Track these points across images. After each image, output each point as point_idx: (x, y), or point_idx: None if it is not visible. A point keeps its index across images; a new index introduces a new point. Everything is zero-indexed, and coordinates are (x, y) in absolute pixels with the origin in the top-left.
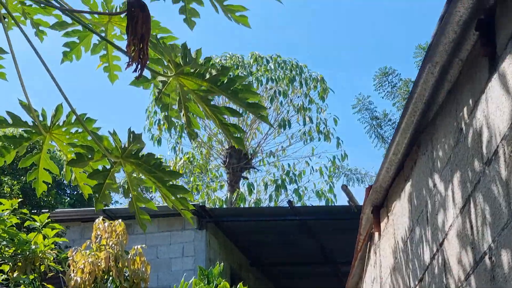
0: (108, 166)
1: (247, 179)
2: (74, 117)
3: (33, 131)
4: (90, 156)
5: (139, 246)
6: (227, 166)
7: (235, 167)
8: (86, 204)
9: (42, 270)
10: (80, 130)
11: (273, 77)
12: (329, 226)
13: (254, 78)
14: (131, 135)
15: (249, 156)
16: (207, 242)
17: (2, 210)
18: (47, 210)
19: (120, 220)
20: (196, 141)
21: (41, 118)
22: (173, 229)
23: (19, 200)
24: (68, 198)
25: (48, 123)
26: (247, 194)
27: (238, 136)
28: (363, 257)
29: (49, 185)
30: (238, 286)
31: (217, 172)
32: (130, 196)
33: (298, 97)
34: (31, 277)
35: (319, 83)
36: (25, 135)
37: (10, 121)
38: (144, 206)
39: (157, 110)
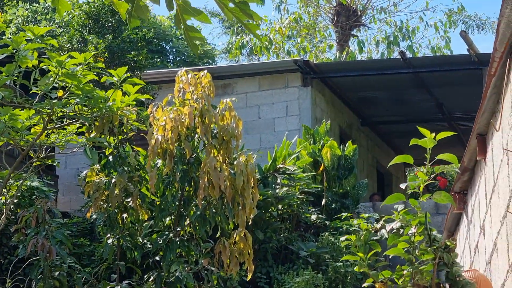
0: None
1: (357, 37)
2: None
3: None
4: None
5: (228, 100)
6: (335, 25)
7: (344, 25)
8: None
9: (122, 129)
10: None
11: None
12: (446, 79)
13: None
14: None
15: (359, 13)
16: (313, 100)
17: (74, 65)
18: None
19: (205, 71)
20: None
21: None
22: (276, 87)
23: (104, 57)
24: (159, 60)
25: None
26: (357, 52)
27: None
28: (498, 83)
29: (139, 44)
30: (347, 144)
31: (325, 32)
32: (175, 6)
33: None
34: (110, 139)
35: None
36: None
37: None
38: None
39: None
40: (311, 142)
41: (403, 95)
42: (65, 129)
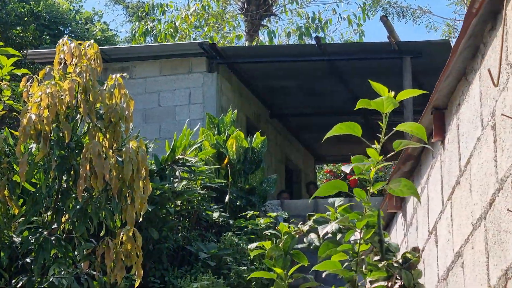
0: None
1: (267, 27)
2: None
3: None
4: None
5: (118, 75)
6: (245, 14)
7: (254, 14)
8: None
9: None
10: None
11: None
12: (364, 69)
13: None
14: None
15: (270, 2)
16: (219, 88)
17: None
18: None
19: (92, 41)
20: None
21: None
22: (178, 73)
23: None
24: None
25: None
26: (267, 43)
27: None
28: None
29: (26, 19)
30: (254, 136)
31: (234, 21)
32: None
33: None
34: None
35: None
36: None
37: None
38: None
39: None
40: (215, 132)
41: (317, 85)
42: None
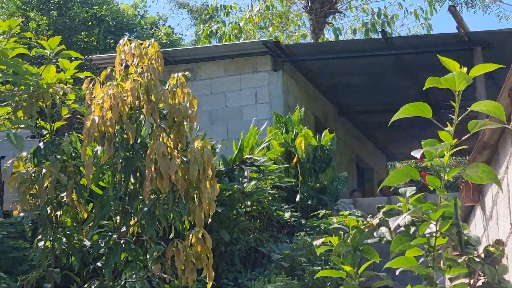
0: None
1: (333, 25)
2: None
3: None
4: None
5: (180, 74)
6: (309, 12)
7: (318, 12)
8: None
9: (54, 111)
10: None
11: None
12: (432, 62)
13: None
14: None
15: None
16: (285, 86)
17: None
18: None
19: (152, 40)
20: None
21: None
22: (243, 72)
23: (47, 36)
24: (114, 42)
25: None
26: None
27: None
28: None
29: (90, 23)
30: (323, 133)
31: (299, 20)
32: None
33: None
34: (42, 123)
35: None
36: None
37: None
38: None
39: None
40: (283, 131)
41: (385, 81)
42: None
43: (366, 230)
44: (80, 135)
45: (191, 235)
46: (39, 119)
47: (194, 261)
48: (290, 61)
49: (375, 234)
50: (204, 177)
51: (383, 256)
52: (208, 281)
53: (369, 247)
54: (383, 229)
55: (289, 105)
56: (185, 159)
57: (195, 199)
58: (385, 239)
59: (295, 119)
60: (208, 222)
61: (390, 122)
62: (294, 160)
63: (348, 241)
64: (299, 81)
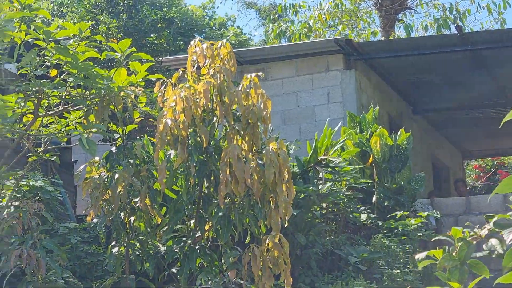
0: None
1: (403, 21)
2: None
3: None
4: None
5: (253, 75)
6: (379, 9)
7: (388, 9)
8: None
9: (126, 114)
10: None
11: None
12: (510, 56)
13: None
14: None
15: None
16: (358, 85)
17: (67, 38)
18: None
19: (224, 41)
20: None
21: None
22: (315, 71)
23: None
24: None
25: None
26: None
27: None
28: None
29: (160, 25)
30: (399, 132)
31: (369, 18)
32: None
33: None
34: (114, 127)
35: None
36: None
37: None
38: None
39: None
40: (357, 131)
41: (460, 77)
42: (67, 118)
43: (474, 242)
44: (152, 138)
45: (267, 240)
46: (111, 123)
47: (271, 267)
48: (362, 59)
49: (484, 246)
50: (280, 180)
51: (494, 271)
52: (285, 287)
53: (477, 261)
54: (493, 241)
55: (363, 104)
56: (260, 162)
57: (271, 203)
58: (496, 252)
59: (369, 118)
60: (285, 226)
61: (501, 124)
62: (370, 160)
63: (454, 254)
64: (372, 80)
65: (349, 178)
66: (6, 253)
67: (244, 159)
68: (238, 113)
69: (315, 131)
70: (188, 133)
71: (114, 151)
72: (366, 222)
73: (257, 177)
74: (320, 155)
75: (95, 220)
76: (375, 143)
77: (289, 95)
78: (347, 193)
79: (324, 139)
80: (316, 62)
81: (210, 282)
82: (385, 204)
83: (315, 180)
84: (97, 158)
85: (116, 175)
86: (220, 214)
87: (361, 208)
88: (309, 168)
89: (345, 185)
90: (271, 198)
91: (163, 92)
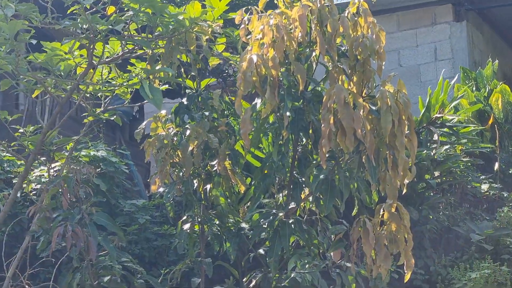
0: None
1: None
2: None
3: None
4: None
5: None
6: None
7: None
8: None
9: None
10: None
11: None
12: None
13: None
14: None
15: None
16: (470, 39)
17: None
18: None
19: None
20: None
21: None
22: (420, 26)
23: None
24: None
25: None
26: None
27: None
28: None
29: None
30: None
31: None
32: None
33: None
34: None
35: None
36: None
37: None
38: None
39: None
40: (473, 89)
41: None
42: (130, 71)
43: None
44: (232, 97)
45: (382, 210)
46: (183, 72)
47: (387, 244)
48: (475, 9)
49: None
50: (400, 130)
51: None
52: (406, 271)
53: None
54: None
55: (475, 61)
56: (373, 108)
57: (388, 162)
58: None
59: (487, 74)
60: (403, 193)
61: None
62: (490, 121)
63: None
64: (485, 33)
65: (466, 141)
66: (48, 232)
67: (352, 105)
68: (343, 48)
69: (420, 94)
70: (280, 73)
71: (185, 103)
72: (488, 193)
73: (370, 127)
74: (435, 113)
75: (161, 190)
76: (496, 101)
77: (390, 53)
78: (465, 159)
79: (438, 94)
80: (422, 15)
81: (307, 266)
82: (510, 172)
83: (428, 144)
84: (163, 112)
85: (188, 131)
86: (321, 177)
87: (481, 177)
88: (421, 129)
89: (460, 150)
90: (387, 155)
91: (246, 23)
